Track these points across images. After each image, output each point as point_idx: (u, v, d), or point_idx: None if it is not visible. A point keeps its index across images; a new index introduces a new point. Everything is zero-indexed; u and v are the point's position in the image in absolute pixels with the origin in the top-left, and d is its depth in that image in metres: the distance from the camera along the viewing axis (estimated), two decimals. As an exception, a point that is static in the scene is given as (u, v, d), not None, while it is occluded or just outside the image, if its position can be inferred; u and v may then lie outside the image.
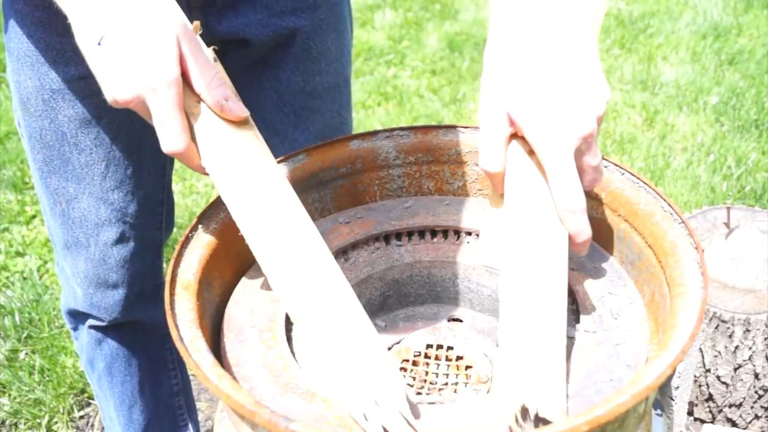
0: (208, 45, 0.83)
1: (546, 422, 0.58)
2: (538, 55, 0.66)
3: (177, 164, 1.85)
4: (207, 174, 0.73)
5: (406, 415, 0.62)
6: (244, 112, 0.74)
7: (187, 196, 2.46)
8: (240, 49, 1.05)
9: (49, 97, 0.98)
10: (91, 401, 1.78)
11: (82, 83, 0.97)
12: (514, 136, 0.69)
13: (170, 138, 0.70)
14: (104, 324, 1.17)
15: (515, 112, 0.67)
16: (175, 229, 1.58)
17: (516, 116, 0.67)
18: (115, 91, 0.69)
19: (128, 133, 1.03)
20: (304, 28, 1.05)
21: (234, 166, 0.72)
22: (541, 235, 0.67)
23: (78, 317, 1.21)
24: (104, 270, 1.10)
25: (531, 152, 0.69)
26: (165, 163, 1.14)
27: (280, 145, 1.11)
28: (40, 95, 0.98)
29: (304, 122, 1.11)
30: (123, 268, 1.11)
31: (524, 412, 0.59)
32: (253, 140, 0.75)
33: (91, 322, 1.18)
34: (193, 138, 0.72)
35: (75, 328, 1.24)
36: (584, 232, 0.68)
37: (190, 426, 1.40)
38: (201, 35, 0.88)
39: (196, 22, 0.76)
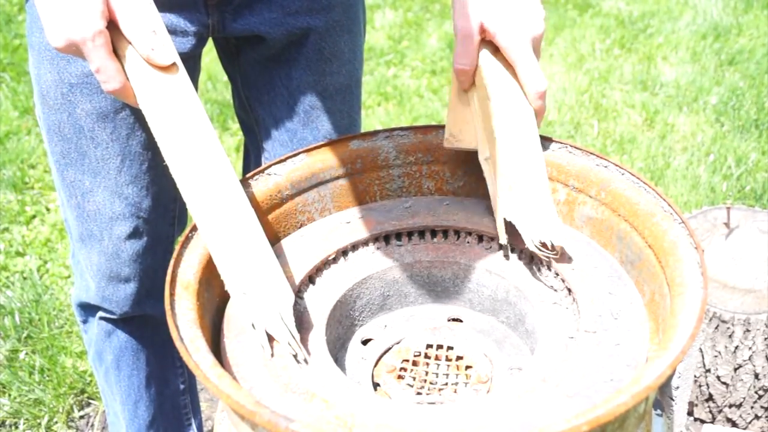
0: (224, 42, 0.89)
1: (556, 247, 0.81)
2: None
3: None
4: None
5: (289, 323, 0.72)
6: (168, 60, 0.80)
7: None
8: (254, 46, 1.06)
9: (68, 91, 1.00)
10: (91, 401, 1.78)
11: None
12: (481, 42, 0.90)
13: (105, 81, 0.79)
14: (115, 317, 1.18)
15: (488, 21, 0.87)
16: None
17: (489, 24, 0.87)
18: (50, 39, 0.78)
19: (144, 128, 1.04)
20: (318, 29, 1.06)
21: (160, 105, 0.80)
22: (515, 113, 0.87)
23: (89, 310, 1.21)
24: (117, 264, 1.11)
25: (496, 53, 0.89)
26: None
27: (289, 143, 1.12)
28: (59, 89, 1.00)
29: (313, 121, 1.12)
30: (135, 263, 1.11)
31: (543, 245, 0.81)
32: (178, 82, 0.81)
33: (101, 314, 1.19)
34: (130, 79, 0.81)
35: (84, 321, 1.24)
36: (544, 108, 0.89)
37: (194, 426, 1.40)
38: (216, 33, 1.01)
39: None
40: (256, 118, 1.15)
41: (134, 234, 1.09)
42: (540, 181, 0.84)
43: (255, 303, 0.73)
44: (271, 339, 0.73)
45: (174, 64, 0.81)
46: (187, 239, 0.79)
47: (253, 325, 0.73)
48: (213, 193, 0.77)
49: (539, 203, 0.83)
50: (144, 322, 1.20)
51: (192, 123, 0.80)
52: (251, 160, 1.23)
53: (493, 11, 0.87)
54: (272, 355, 0.72)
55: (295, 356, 0.73)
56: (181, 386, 1.35)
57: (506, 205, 0.84)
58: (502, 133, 0.85)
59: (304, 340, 0.78)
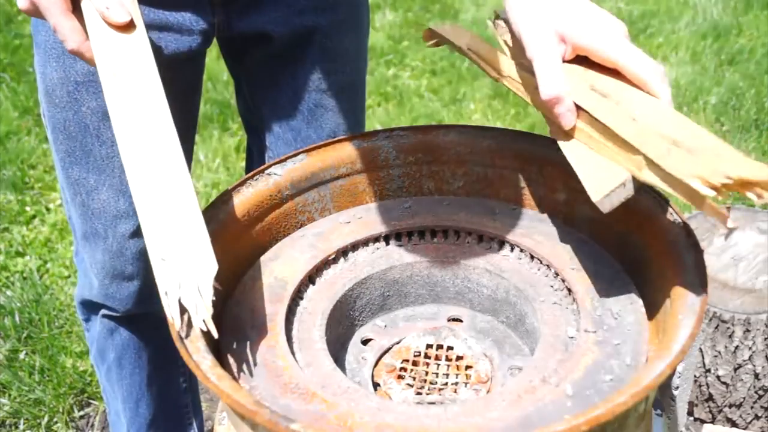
0: (229, 41, 0.89)
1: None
2: None
3: (192, 162, 1.85)
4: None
5: (206, 296, 0.66)
6: (122, 19, 0.82)
7: (187, 196, 2.45)
8: (259, 45, 1.06)
9: (74, 89, 1.00)
10: (91, 401, 1.78)
11: None
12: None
13: (63, 40, 0.82)
14: (118, 315, 1.18)
15: (567, 29, 0.75)
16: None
17: (568, 31, 0.75)
18: (18, 1, 0.81)
19: None
20: (324, 27, 1.06)
21: (112, 63, 0.81)
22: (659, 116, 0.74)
23: (91, 308, 1.22)
24: (121, 262, 1.11)
25: (584, 63, 0.76)
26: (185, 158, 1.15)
27: (293, 141, 1.12)
28: (65, 87, 1.00)
29: (317, 120, 1.12)
30: (139, 261, 1.12)
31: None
32: (134, 42, 0.82)
33: (104, 312, 1.19)
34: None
35: (87, 319, 1.25)
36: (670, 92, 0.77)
37: (194, 425, 1.40)
38: (221, 32, 1.01)
39: None
40: (260, 116, 1.15)
41: (138, 232, 1.09)
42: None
43: (173, 270, 0.68)
44: (183, 311, 0.67)
45: (132, 23, 0.82)
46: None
47: (165, 293, 0.67)
48: (149, 154, 0.75)
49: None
50: (146, 320, 1.21)
51: (140, 83, 0.80)
52: (254, 160, 1.23)
53: (568, 16, 0.76)
54: (182, 329, 0.66)
55: (206, 333, 0.66)
56: (183, 385, 1.35)
57: (675, 163, 0.67)
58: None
59: (304, 340, 0.78)
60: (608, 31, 0.74)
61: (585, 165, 0.75)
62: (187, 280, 0.67)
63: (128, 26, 0.83)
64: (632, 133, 0.70)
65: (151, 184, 0.73)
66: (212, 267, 0.69)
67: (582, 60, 0.77)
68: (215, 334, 0.66)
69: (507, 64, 0.88)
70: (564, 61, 0.76)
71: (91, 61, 0.83)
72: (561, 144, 0.79)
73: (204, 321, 0.66)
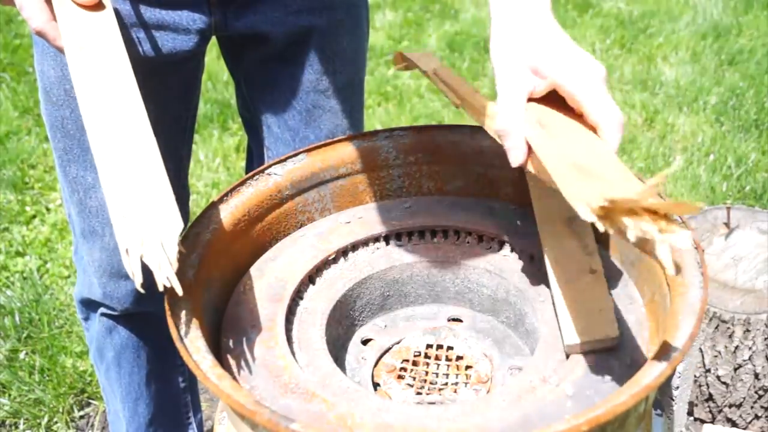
0: (227, 41, 0.89)
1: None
2: (541, 28, 0.76)
3: (192, 162, 1.85)
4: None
5: (170, 252, 0.64)
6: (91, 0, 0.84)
7: (187, 196, 2.46)
8: (257, 45, 1.07)
9: (71, 88, 1.00)
10: (91, 401, 1.78)
11: None
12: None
13: (29, 18, 0.82)
14: (116, 313, 1.18)
15: (542, 63, 0.73)
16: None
17: (543, 66, 0.73)
18: None
19: None
20: (321, 28, 1.07)
21: (79, 38, 0.81)
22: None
23: (90, 306, 1.22)
24: (118, 260, 1.11)
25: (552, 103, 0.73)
26: (182, 157, 1.15)
27: (291, 141, 1.13)
28: (62, 85, 1.01)
29: (315, 120, 1.12)
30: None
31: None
32: (101, 20, 0.83)
33: (103, 310, 1.20)
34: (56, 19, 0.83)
35: (86, 318, 1.25)
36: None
37: (194, 424, 1.40)
38: (218, 31, 1.01)
39: None
40: (259, 116, 1.15)
41: None
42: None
43: (134, 227, 0.66)
44: (145, 269, 0.64)
45: (100, 3, 0.83)
46: (187, 238, 0.79)
47: (126, 250, 0.65)
48: (113, 118, 0.75)
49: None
50: (145, 319, 1.21)
51: (106, 55, 0.80)
52: (254, 160, 1.23)
53: (544, 51, 0.74)
54: (141, 286, 0.64)
55: (170, 290, 0.65)
56: (182, 385, 1.35)
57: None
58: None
59: (304, 340, 0.78)
60: (582, 71, 0.72)
61: (572, 302, 0.74)
62: (150, 237, 0.65)
63: (97, 5, 0.84)
64: (561, 170, 0.67)
65: (113, 144, 0.72)
66: (177, 224, 0.67)
67: (555, 97, 0.75)
68: (179, 291, 0.64)
69: (469, 93, 0.90)
70: (535, 97, 0.74)
71: (54, 41, 0.83)
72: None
73: (167, 278, 0.64)
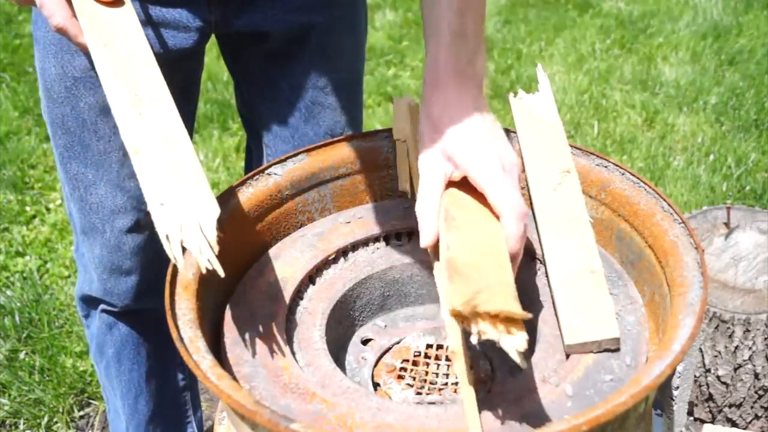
0: (226, 38, 0.89)
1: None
2: (461, 116, 0.78)
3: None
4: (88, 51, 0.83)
5: (209, 236, 0.65)
6: None
7: (187, 196, 2.45)
8: (256, 42, 1.07)
9: (71, 85, 1.01)
10: (91, 401, 1.78)
11: None
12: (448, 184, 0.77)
13: (49, 15, 0.83)
14: (116, 310, 1.18)
15: (454, 152, 0.76)
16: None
17: (455, 155, 0.76)
18: None
19: None
20: (320, 25, 1.07)
21: (102, 35, 0.82)
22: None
23: (91, 303, 1.22)
24: (118, 256, 1.12)
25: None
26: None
27: (290, 139, 1.13)
28: (63, 82, 1.01)
29: (314, 117, 1.12)
30: (137, 256, 1.12)
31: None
32: (122, 16, 0.84)
33: (103, 307, 1.20)
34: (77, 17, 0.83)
35: (87, 315, 1.25)
36: (521, 248, 0.75)
37: (193, 422, 1.40)
38: (218, 29, 1.01)
39: None
40: (258, 114, 1.15)
41: (135, 227, 1.10)
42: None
43: (173, 213, 0.67)
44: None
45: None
46: (187, 239, 0.78)
47: (167, 236, 0.66)
48: (141, 110, 0.76)
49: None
50: (145, 316, 1.21)
51: (131, 50, 0.81)
52: (253, 159, 1.23)
53: (459, 142, 0.77)
54: (182, 269, 0.65)
55: (213, 272, 0.65)
56: (182, 382, 1.35)
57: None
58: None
59: (304, 340, 0.78)
60: (488, 162, 0.75)
61: (570, 300, 0.76)
62: (188, 221, 0.66)
63: (116, 2, 0.84)
64: (442, 270, 0.71)
65: (145, 135, 0.74)
66: (214, 208, 0.68)
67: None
68: (221, 273, 0.65)
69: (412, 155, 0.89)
70: (453, 180, 0.77)
71: (75, 38, 0.83)
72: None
73: (209, 260, 0.65)
